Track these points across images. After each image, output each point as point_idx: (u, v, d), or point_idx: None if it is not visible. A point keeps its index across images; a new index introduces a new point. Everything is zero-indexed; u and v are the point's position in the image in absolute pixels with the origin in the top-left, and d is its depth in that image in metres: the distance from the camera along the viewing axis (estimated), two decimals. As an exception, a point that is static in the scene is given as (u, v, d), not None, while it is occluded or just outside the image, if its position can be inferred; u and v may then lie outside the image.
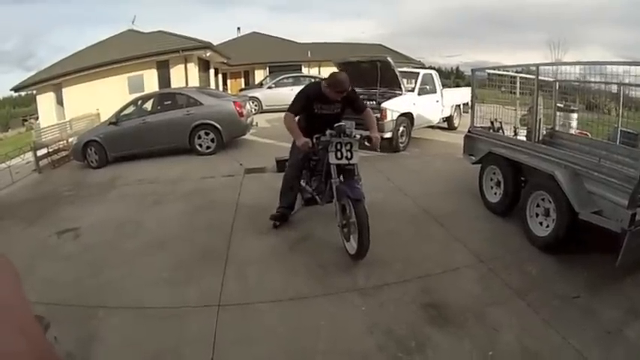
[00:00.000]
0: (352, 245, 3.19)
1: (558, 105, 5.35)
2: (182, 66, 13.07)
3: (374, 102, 6.94)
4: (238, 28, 24.69)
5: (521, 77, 5.33)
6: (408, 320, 2.57)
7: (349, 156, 3.20)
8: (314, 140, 3.28)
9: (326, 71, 17.71)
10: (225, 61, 17.11)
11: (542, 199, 3.60)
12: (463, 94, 9.16)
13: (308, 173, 4.01)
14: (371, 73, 7.37)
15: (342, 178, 3.29)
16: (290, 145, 3.79)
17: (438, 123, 8.64)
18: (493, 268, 3.17)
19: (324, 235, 3.70)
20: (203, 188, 5.48)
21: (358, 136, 3.27)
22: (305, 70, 18.27)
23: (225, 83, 19.91)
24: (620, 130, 4.87)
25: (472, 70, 5.12)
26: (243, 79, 20.61)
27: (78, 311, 2.77)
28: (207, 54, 13.57)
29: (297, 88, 13.56)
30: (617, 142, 4.39)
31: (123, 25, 16.28)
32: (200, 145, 7.35)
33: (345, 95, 3.46)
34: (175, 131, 7.30)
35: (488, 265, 3.22)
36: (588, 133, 5.36)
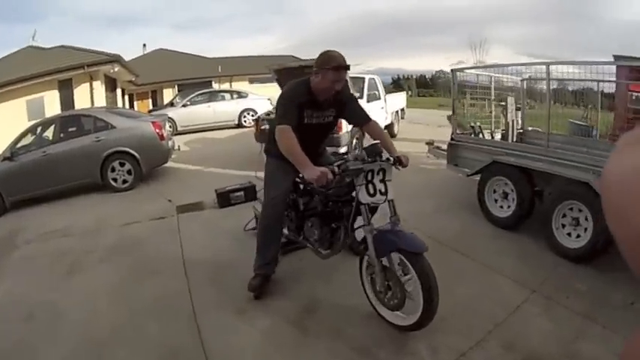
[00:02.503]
0: (401, 315, 2.25)
1: (501, 104, 5.26)
2: (87, 85, 10.82)
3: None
4: (144, 45, 22.70)
5: (489, 79, 5.10)
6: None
7: (383, 189, 2.25)
8: (334, 168, 2.19)
9: (238, 86, 16.64)
10: (132, 80, 15.03)
11: (571, 209, 3.19)
12: (399, 100, 8.99)
13: (292, 214, 2.94)
14: None
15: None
16: (256, 171, 2.99)
17: (380, 131, 8.21)
18: (548, 295, 2.73)
19: (333, 296, 2.68)
20: (131, 239, 3.95)
21: (391, 159, 2.35)
22: (216, 86, 16.88)
23: (132, 105, 17.71)
24: (575, 124, 4.98)
25: (452, 70, 4.67)
26: (150, 100, 18.71)
27: None
28: (116, 69, 11.42)
29: (215, 105, 12.31)
30: (597, 137, 4.35)
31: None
32: (115, 180, 5.67)
33: (339, 97, 2.53)
34: (83, 164, 5.61)
35: (542, 292, 2.76)
36: (539, 129, 5.39)
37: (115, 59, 11.00)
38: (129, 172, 5.66)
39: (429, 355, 2.13)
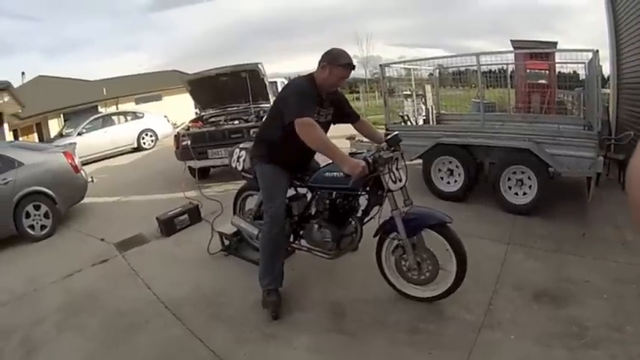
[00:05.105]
0: (430, 288, 2.42)
1: (405, 93, 5.90)
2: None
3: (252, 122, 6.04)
4: (22, 73, 19.56)
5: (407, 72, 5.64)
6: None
7: (400, 176, 2.36)
8: (369, 159, 2.22)
9: (124, 107, 15.26)
10: (18, 112, 12.61)
11: (514, 173, 3.78)
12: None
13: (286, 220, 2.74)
14: (236, 88, 6.37)
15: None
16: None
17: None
18: (520, 243, 3.28)
19: (350, 293, 2.69)
20: (83, 293, 3.17)
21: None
22: (102, 110, 15.07)
23: (17, 142, 14.74)
24: (483, 103, 5.86)
25: (380, 65, 5.02)
26: (36, 134, 16.19)
27: None
28: (5, 99, 9.13)
29: (112, 129, 11.22)
30: (512, 111, 5.17)
31: None
32: (32, 227, 4.54)
33: (335, 96, 2.58)
34: None
35: (515, 243, 3.30)
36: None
37: (5, 87, 8.98)
38: (46, 216, 4.67)
39: (467, 312, 2.36)
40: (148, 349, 2.39)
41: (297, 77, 2.62)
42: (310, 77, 2.43)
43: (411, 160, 4.59)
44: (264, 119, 2.92)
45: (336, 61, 2.32)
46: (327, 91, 2.44)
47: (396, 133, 2.48)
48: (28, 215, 4.55)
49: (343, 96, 2.74)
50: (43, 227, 4.64)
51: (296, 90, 2.35)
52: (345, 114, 2.70)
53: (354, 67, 2.40)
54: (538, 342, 2.08)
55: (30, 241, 4.56)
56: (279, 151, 2.46)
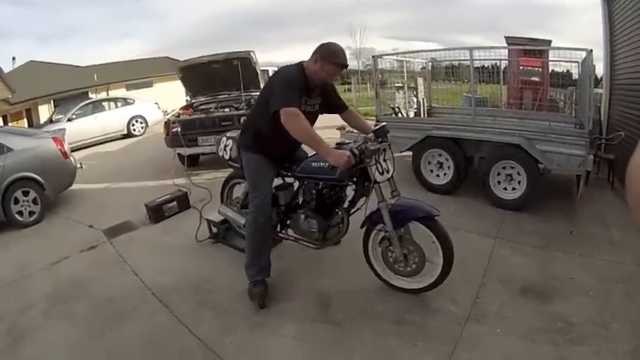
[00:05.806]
0: (417, 280, 2.44)
1: (397, 85, 5.90)
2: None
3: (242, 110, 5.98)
4: (13, 59, 19.06)
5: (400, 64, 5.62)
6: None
7: (387, 167, 2.36)
8: (355, 151, 2.19)
9: (115, 93, 15.04)
10: (8, 97, 12.37)
11: (504, 168, 3.81)
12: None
13: (273, 210, 2.74)
14: (227, 75, 6.30)
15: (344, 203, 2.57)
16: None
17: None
18: (508, 238, 3.30)
19: (337, 284, 2.71)
20: (71, 279, 3.15)
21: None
22: (93, 96, 14.81)
23: (6, 127, 14.51)
24: (474, 98, 5.87)
25: (373, 56, 4.98)
26: (26, 120, 15.91)
27: None
28: None
29: (102, 115, 11.05)
30: (503, 107, 5.20)
31: None
32: (20, 213, 4.51)
33: (325, 87, 2.54)
34: None
35: (503, 238, 3.31)
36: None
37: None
38: (34, 202, 4.61)
39: (453, 305, 2.39)
40: (136, 336, 2.39)
41: (286, 65, 2.53)
42: (300, 66, 2.38)
43: (401, 152, 4.58)
44: (251, 108, 2.89)
45: (330, 58, 2.27)
46: (317, 83, 2.40)
47: (384, 124, 2.46)
48: (16, 201, 4.50)
49: (333, 86, 2.70)
50: (31, 213, 4.59)
51: (283, 78, 2.30)
52: (333, 104, 2.67)
53: (346, 67, 2.37)
54: (524, 336, 2.11)
55: (18, 227, 4.50)
56: (265, 140, 2.44)
